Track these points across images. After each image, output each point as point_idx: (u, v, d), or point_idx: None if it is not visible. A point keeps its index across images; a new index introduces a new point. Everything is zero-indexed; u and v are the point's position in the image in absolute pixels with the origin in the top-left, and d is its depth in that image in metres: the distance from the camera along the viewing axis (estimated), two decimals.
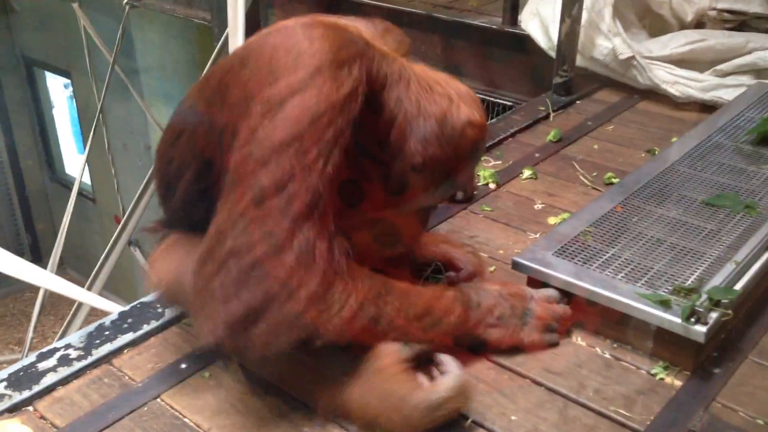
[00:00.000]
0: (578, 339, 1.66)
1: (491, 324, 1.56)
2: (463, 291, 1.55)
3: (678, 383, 1.53)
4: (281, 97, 1.31)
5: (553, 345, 1.63)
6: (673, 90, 2.95)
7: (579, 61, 3.13)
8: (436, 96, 1.47)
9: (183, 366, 1.59)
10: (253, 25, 3.08)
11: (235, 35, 3.03)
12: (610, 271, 1.68)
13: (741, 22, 3.34)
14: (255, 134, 1.32)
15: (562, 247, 1.77)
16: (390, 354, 1.37)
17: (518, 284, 1.68)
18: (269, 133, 1.30)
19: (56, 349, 1.65)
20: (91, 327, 1.72)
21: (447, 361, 1.38)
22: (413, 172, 1.48)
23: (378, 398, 1.35)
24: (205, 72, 1.57)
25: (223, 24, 3.36)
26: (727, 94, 2.88)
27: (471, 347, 1.58)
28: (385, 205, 1.53)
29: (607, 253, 1.75)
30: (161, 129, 5.60)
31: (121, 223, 4.16)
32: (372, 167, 1.49)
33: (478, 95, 1.59)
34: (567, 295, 1.67)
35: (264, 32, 1.48)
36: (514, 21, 3.51)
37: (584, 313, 1.65)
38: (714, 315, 1.52)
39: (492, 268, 1.92)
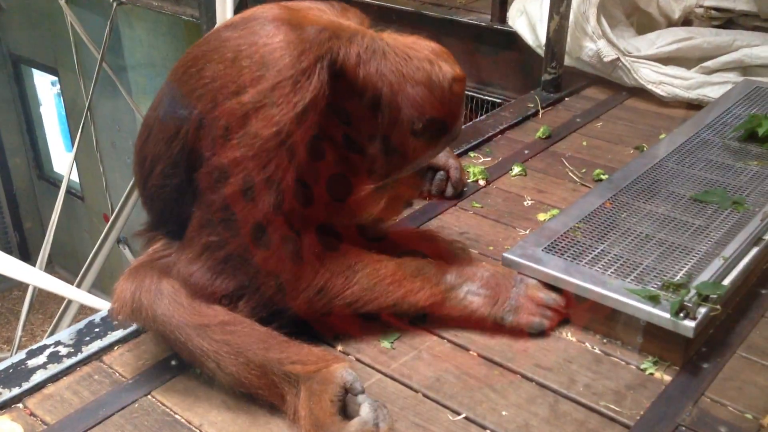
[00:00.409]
0: (568, 334, 1.67)
1: (473, 292, 1.61)
2: (440, 261, 1.64)
3: (667, 378, 1.54)
4: (243, 111, 1.40)
5: (540, 331, 1.64)
6: (659, 90, 2.97)
7: (566, 61, 3.14)
8: (416, 62, 1.52)
9: (173, 362, 1.59)
10: None
11: None
12: (599, 267, 1.69)
13: (728, 20, 3.36)
14: (220, 147, 1.42)
15: (551, 243, 1.78)
16: (329, 381, 1.38)
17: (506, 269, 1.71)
18: (233, 147, 1.41)
19: (46, 346, 1.64)
20: (81, 324, 1.72)
21: (364, 403, 1.37)
22: (413, 137, 1.54)
23: (308, 421, 1.38)
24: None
25: (211, 21, 3.35)
26: (713, 92, 2.90)
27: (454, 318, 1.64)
28: (383, 174, 1.59)
29: (597, 249, 1.76)
30: None
31: (110, 221, 4.15)
32: (359, 153, 1.57)
33: (466, 93, 1.65)
34: (561, 293, 1.67)
35: (229, 24, 1.51)
36: (502, 18, 3.51)
37: (575, 309, 1.66)
38: (703, 310, 1.53)
39: None
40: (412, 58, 1.51)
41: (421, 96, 1.50)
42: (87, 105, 5.88)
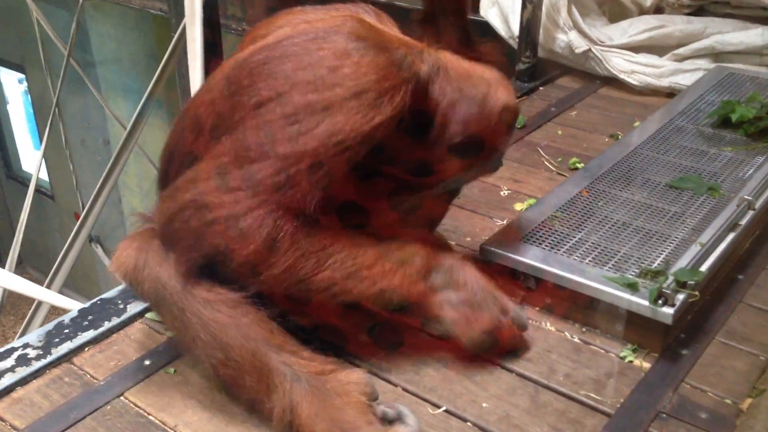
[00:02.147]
0: (547, 324, 1.66)
1: (451, 303, 1.46)
2: (431, 252, 1.47)
3: (647, 365, 1.54)
4: (312, 108, 1.32)
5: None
6: (631, 79, 2.98)
7: (540, 53, 3.15)
8: (476, 80, 1.51)
9: (147, 362, 1.55)
10: (211, 15, 3.01)
11: (193, 25, 2.97)
12: (577, 256, 1.68)
13: (699, 7, 3.37)
14: (272, 128, 1.33)
15: (529, 232, 1.77)
16: (355, 382, 1.36)
17: (501, 292, 1.54)
18: (287, 138, 1.32)
19: (14, 349, 1.60)
20: (50, 325, 1.67)
21: (406, 411, 1.36)
22: (450, 153, 1.50)
23: (330, 422, 1.32)
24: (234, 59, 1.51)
25: (180, 15, 3.29)
26: (684, 80, 2.91)
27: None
28: (416, 189, 1.56)
29: (574, 237, 1.75)
30: (120, 123, 5.49)
31: (80, 219, 4.07)
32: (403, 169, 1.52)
33: None
34: (536, 280, 1.66)
35: (302, 32, 1.42)
36: (475, 9, 3.50)
37: (553, 298, 1.65)
38: (681, 297, 1.53)
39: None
40: (472, 77, 1.51)
41: (471, 112, 1.49)
42: (55, 102, 5.78)
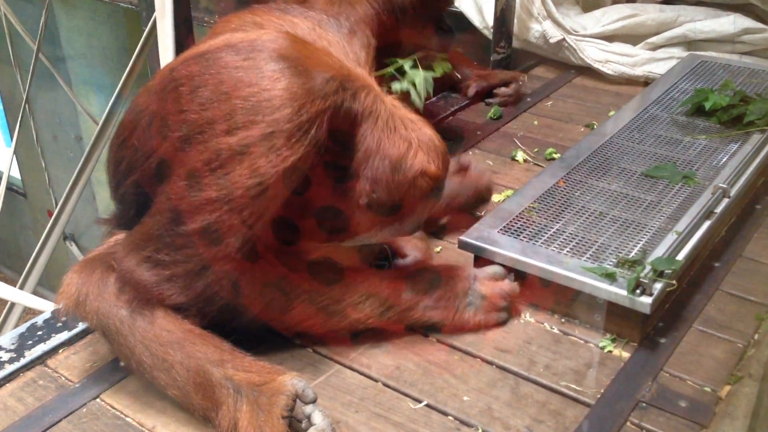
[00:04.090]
0: (527, 316, 1.66)
1: (430, 306, 1.57)
2: (394, 275, 1.57)
3: (626, 355, 1.54)
4: (229, 154, 1.31)
5: (502, 323, 1.63)
6: (605, 68, 2.99)
7: (514, 43, 3.14)
8: (398, 138, 1.43)
9: (123, 363, 1.53)
10: (181, 8, 2.97)
11: (163, 19, 2.93)
12: (555, 246, 1.68)
13: None
14: (197, 181, 1.33)
15: (507, 224, 1.76)
16: (281, 393, 1.31)
17: (460, 265, 1.66)
18: (211, 186, 1.32)
19: None
20: (23, 327, 1.64)
21: (314, 411, 1.31)
22: (359, 211, 1.46)
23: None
24: (163, 65, 1.49)
25: (150, 8, 3.24)
26: (658, 68, 2.93)
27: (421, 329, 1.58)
28: (326, 237, 1.54)
29: (552, 228, 1.75)
30: (92, 118, 5.41)
31: (53, 217, 4.02)
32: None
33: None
34: (518, 274, 1.66)
35: (232, 45, 1.38)
36: None
37: (533, 290, 1.65)
38: (658, 286, 1.53)
39: (438, 249, 1.91)
40: (396, 132, 1.43)
41: (381, 172, 1.42)
42: (25, 98, 5.68)
